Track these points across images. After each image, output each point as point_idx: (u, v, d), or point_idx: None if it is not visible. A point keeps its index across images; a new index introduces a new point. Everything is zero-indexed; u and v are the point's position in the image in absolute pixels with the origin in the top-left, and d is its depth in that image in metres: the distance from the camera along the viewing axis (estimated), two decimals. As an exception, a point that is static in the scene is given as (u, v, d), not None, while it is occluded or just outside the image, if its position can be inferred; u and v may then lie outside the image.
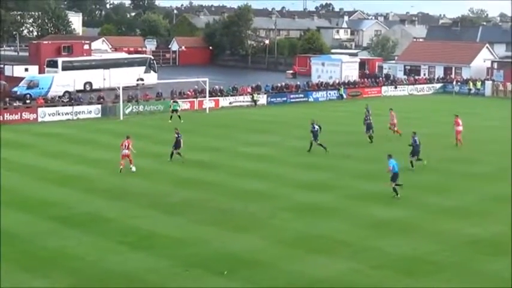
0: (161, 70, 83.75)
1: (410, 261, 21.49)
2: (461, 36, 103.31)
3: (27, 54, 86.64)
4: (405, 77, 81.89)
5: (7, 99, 54.63)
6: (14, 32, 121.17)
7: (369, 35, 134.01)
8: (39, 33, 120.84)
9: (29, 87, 60.75)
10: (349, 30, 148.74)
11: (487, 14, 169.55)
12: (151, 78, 73.35)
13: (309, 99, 67.70)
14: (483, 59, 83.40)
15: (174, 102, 54.21)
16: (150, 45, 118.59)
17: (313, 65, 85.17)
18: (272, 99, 65.22)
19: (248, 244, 22.88)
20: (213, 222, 25.30)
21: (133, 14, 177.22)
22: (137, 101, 57.38)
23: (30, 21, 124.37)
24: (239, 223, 25.32)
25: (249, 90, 65.10)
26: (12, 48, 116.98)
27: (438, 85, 78.68)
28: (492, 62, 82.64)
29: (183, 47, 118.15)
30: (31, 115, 52.01)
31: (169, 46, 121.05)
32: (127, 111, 55.05)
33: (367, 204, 27.89)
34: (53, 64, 69.61)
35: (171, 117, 51.34)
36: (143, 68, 74.57)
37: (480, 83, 75.55)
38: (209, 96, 59.96)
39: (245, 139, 43.85)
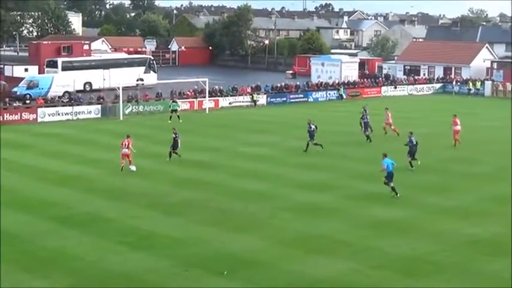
0: (161, 70, 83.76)
1: (410, 261, 21.50)
2: (461, 36, 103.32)
3: (27, 54, 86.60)
4: (405, 77, 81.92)
5: (7, 99, 54.64)
6: (14, 32, 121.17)
7: (369, 35, 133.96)
8: (39, 34, 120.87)
9: (28, 88, 60.74)
10: (348, 31, 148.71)
11: (487, 14, 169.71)
12: (151, 78, 73.37)
13: (309, 100, 67.72)
14: (483, 59, 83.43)
15: (173, 102, 54.24)
16: (150, 45, 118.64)
17: (313, 65, 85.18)
18: (272, 100, 65.24)
19: (248, 244, 22.89)
20: (212, 223, 25.31)
21: (133, 14, 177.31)
22: (137, 101, 57.40)
23: (30, 21, 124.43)
24: (239, 223, 25.32)
25: (249, 90, 65.12)
26: (12, 48, 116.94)
27: (438, 85, 78.71)
28: (492, 62, 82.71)
29: (182, 47, 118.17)
30: (31, 115, 52.02)
31: (169, 46, 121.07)
32: (127, 112, 55.06)
33: (366, 205, 27.90)
34: (53, 64, 69.60)
35: (170, 117, 51.41)
36: (143, 68, 74.59)
37: (480, 83, 75.57)
38: (209, 97, 59.98)
39: (245, 139, 43.85)
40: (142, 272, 20.29)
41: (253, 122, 52.61)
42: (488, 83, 75.75)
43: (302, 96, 67.92)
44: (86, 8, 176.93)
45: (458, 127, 41.02)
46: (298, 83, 71.82)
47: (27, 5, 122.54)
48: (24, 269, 20.50)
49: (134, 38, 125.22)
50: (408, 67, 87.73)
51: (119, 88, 55.47)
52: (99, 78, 70.17)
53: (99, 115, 54.59)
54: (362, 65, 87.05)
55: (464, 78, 78.79)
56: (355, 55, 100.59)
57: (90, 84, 69.75)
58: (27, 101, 56.43)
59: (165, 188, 30.55)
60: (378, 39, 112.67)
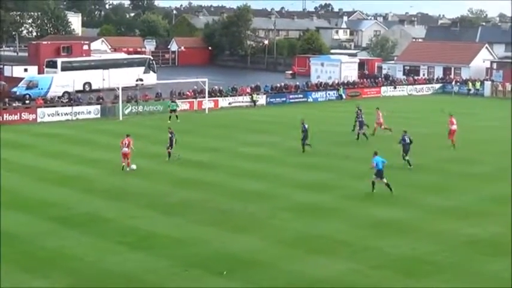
0: (160, 70, 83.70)
1: (409, 261, 21.50)
2: (461, 36, 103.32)
3: (26, 54, 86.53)
4: (404, 77, 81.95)
5: (6, 99, 54.64)
6: (14, 33, 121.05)
7: (368, 35, 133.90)
8: (39, 34, 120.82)
9: (28, 88, 60.70)
10: (348, 31, 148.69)
11: (486, 14, 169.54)
12: (151, 78, 73.34)
13: (308, 100, 67.71)
14: (482, 59, 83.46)
15: (172, 102, 54.29)
16: (150, 45, 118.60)
17: (313, 66, 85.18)
18: (271, 100, 65.24)
19: (248, 244, 22.88)
20: (212, 223, 25.30)
21: (132, 14, 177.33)
22: (136, 102, 57.39)
23: (30, 21, 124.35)
24: (238, 223, 25.32)
25: (249, 90, 65.11)
26: (11, 48, 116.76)
27: (437, 85, 78.73)
28: (491, 62, 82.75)
29: (182, 48, 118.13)
30: (30, 115, 52.01)
31: (169, 46, 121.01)
32: (126, 112, 55.05)
33: (366, 205, 27.90)
34: (52, 64, 69.55)
35: (170, 117, 51.44)
36: (142, 69, 74.53)
37: (479, 83, 75.58)
38: (208, 97, 59.97)
39: (244, 139, 43.85)
40: (142, 272, 20.28)
41: (253, 122, 52.61)
42: (487, 83, 75.76)
43: (302, 96, 67.93)
44: (86, 8, 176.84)
45: (455, 126, 41.01)
46: (297, 83, 71.84)
47: (27, 5, 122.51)
48: (24, 269, 20.50)
49: (134, 38, 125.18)
50: (408, 67, 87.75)
51: (118, 88, 55.47)
52: (98, 79, 70.14)
53: (99, 115, 54.58)
54: (361, 65, 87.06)
55: (464, 78, 78.81)
56: (354, 55, 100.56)
57: (89, 84, 69.69)
58: (27, 101, 56.40)
59: (165, 188, 30.55)
60: (378, 40, 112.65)
